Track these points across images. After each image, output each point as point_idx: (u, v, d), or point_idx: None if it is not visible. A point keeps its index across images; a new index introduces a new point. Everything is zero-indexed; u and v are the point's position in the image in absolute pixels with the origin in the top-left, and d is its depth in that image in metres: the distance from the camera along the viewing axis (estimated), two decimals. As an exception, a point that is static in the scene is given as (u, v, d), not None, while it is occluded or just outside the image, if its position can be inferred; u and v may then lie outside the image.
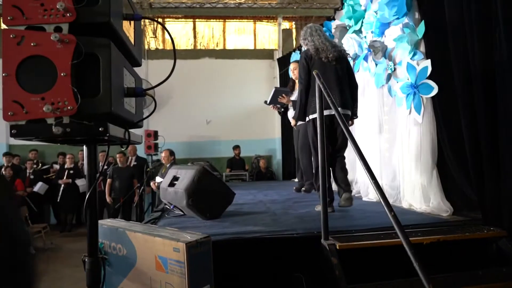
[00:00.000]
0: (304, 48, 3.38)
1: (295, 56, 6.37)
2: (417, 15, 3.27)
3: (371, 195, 3.83)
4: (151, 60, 8.82)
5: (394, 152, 3.55)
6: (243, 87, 9.12)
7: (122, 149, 1.42)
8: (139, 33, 1.58)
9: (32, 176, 7.57)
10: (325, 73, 2.97)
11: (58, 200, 7.27)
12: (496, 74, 2.34)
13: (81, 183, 7.26)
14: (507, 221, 2.28)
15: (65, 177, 7.33)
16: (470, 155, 2.54)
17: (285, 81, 7.11)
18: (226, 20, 9.85)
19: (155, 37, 9.22)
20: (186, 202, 2.83)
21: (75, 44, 1.09)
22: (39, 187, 7.30)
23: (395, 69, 3.49)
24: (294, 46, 9.23)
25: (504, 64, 2.26)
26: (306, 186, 4.44)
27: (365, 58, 4.14)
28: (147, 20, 8.86)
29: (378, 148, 3.84)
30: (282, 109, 5.02)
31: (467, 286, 1.97)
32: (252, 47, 9.88)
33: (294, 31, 10.09)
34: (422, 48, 3.18)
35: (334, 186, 3.39)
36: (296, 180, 5.15)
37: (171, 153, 5.78)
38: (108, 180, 6.65)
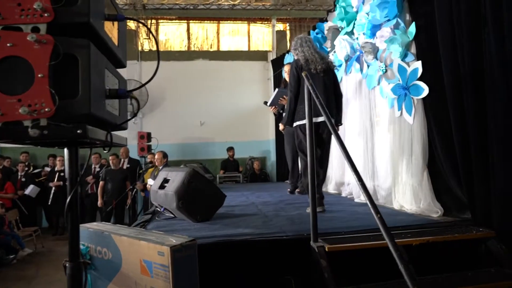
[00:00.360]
0: (294, 57, 3.55)
1: (289, 58, 6.37)
2: (408, 17, 3.28)
3: (363, 197, 3.82)
4: (144, 62, 8.79)
5: (386, 153, 3.55)
6: (237, 88, 9.11)
7: (105, 151, 1.39)
8: (124, 34, 1.55)
9: (23, 179, 7.48)
10: (314, 83, 3.04)
11: (49, 203, 7.18)
12: (485, 74, 2.34)
13: (30, 190, 7.16)
14: (497, 222, 2.29)
15: (56, 180, 7.24)
16: (460, 156, 2.55)
17: (279, 82, 7.10)
18: (220, 22, 9.83)
19: (149, 38, 9.18)
20: (176, 205, 2.81)
21: (53, 45, 1.07)
22: (30, 190, 7.22)
23: (386, 70, 3.49)
24: (288, 47, 9.22)
25: (493, 65, 2.27)
26: (300, 188, 4.46)
27: (357, 60, 4.15)
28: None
29: (371, 149, 3.84)
30: (281, 111, 4.99)
31: (457, 287, 1.97)
32: (246, 49, 9.88)
33: (288, 32, 10.10)
34: (413, 49, 3.19)
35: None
36: (289, 182, 5.15)
37: (164, 155, 5.75)
38: (101, 183, 6.61)
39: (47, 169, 7.88)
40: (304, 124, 2.64)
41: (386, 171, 3.52)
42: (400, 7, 3.25)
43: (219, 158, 8.71)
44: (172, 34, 9.74)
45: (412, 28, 3.11)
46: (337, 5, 4.44)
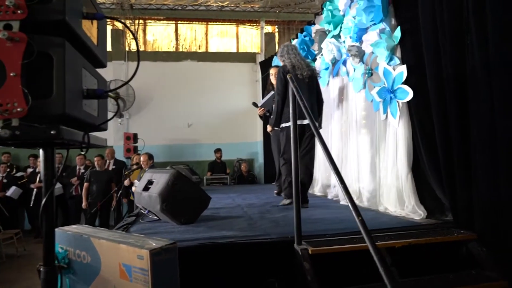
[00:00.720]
0: (281, 63, 3.82)
1: (277, 60, 6.36)
2: (393, 21, 3.30)
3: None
4: (131, 62, 8.69)
5: (371, 156, 3.58)
6: (225, 90, 9.08)
7: (82, 153, 1.35)
8: (104, 33, 1.52)
9: (5, 180, 7.31)
10: (299, 88, 3.12)
11: (31, 205, 7.01)
12: (468, 79, 2.37)
13: (11, 191, 7.02)
14: (478, 224, 2.31)
15: (37, 181, 7.06)
16: (443, 160, 2.58)
17: (267, 85, 7.10)
18: (209, 23, 9.80)
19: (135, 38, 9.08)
20: (160, 207, 2.77)
21: (26, 43, 1.04)
22: (12, 191, 7.04)
23: (372, 74, 3.52)
24: (276, 49, 9.25)
25: (476, 69, 2.29)
26: (278, 188, 4.49)
27: (344, 63, 4.17)
28: (128, 22, 8.73)
29: (356, 152, 3.86)
30: (268, 114, 4.98)
31: (438, 289, 1.98)
32: (234, 50, 9.86)
33: (276, 35, 10.13)
34: (398, 53, 3.21)
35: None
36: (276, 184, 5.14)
37: (150, 156, 5.67)
38: (85, 184, 6.49)
39: (29, 170, 7.70)
40: (289, 126, 2.66)
41: (371, 174, 3.55)
42: (385, 12, 3.27)
43: (206, 159, 8.65)
44: (160, 35, 9.66)
45: (398, 33, 3.14)
46: (325, 9, 4.46)
